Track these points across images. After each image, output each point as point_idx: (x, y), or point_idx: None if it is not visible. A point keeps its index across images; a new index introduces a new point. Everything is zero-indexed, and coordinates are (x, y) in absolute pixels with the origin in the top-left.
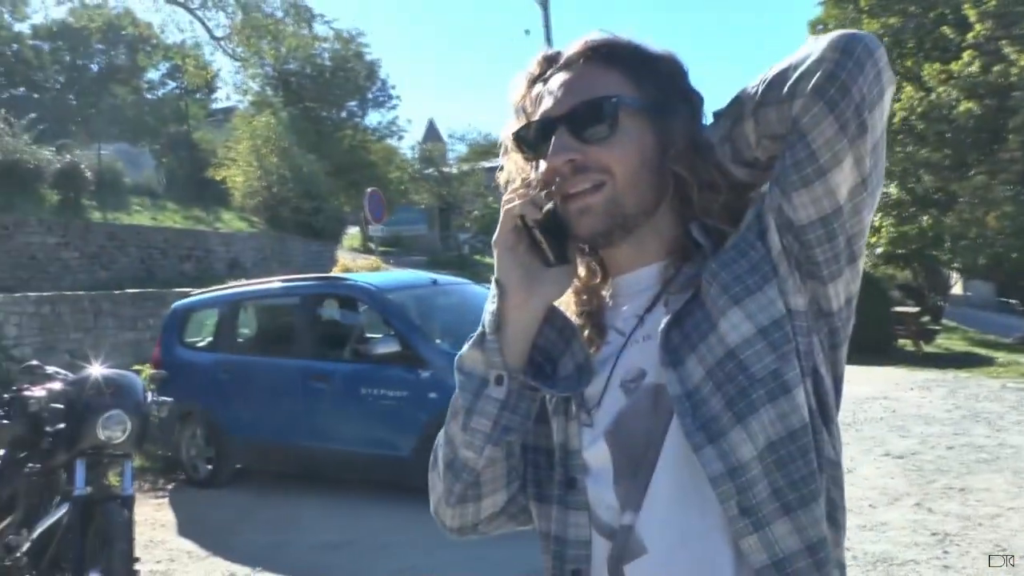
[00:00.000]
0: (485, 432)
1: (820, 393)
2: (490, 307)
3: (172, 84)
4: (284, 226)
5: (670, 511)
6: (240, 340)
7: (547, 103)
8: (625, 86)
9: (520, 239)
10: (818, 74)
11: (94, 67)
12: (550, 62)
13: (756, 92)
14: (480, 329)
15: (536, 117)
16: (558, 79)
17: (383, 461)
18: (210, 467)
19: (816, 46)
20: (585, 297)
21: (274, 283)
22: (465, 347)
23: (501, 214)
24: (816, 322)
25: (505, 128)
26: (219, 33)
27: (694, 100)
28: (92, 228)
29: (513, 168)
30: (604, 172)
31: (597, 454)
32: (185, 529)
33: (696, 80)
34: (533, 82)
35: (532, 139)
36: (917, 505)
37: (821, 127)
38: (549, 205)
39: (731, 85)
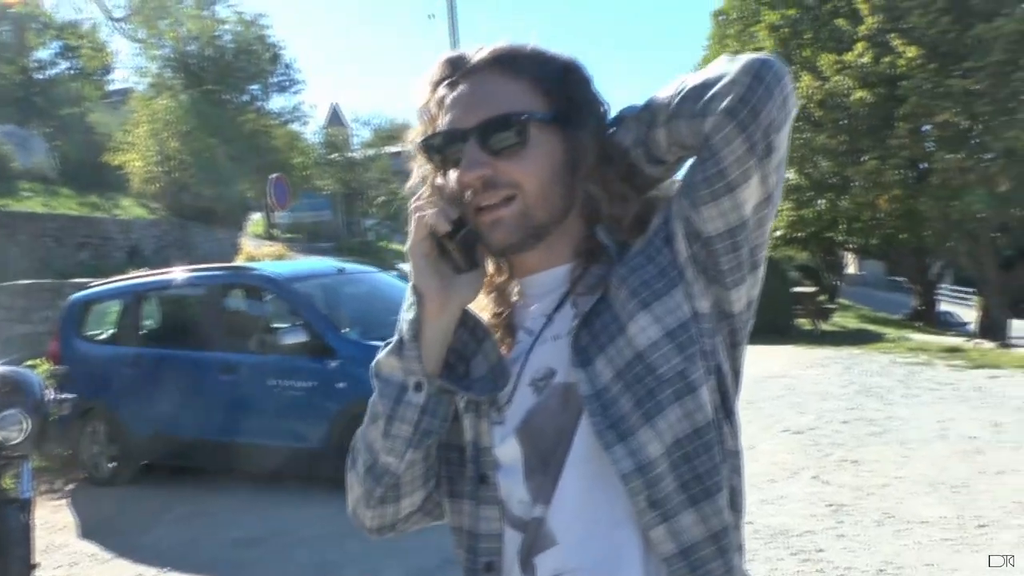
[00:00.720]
0: (406, 437)
1: (723, 389)
2: (407, 315)
3: (64, 64)
4: (185, 213)
5: (580, 504)
6: (143, 332)
7: (456, 113)
8: (533, 98)
9: (434, 246)
10: (730, 96)
11: None
12: (453, 66)
13: (670, 104)
14: (397, 336)
15: (444, 126)
16: (466, 88)
17: (294, 453)
18: (113, 465)
19: (730, 68)
20: (495, 296)
21: (179, 273)
22: (381, 354)
23: (412, 222)
24: (719, 323)
25: (412, 133)
26: (117, 14)
27: (600, 108)
28: None
29: (421, 174)
30: (514, 186)
31: (508, 451)
32: (87, 531)
33: (602, 69)
34: (436, 85)
35: (440, 147)
36: (814, 478)
37: (732, 147)
38: (454, 216)
39: (638, 72)
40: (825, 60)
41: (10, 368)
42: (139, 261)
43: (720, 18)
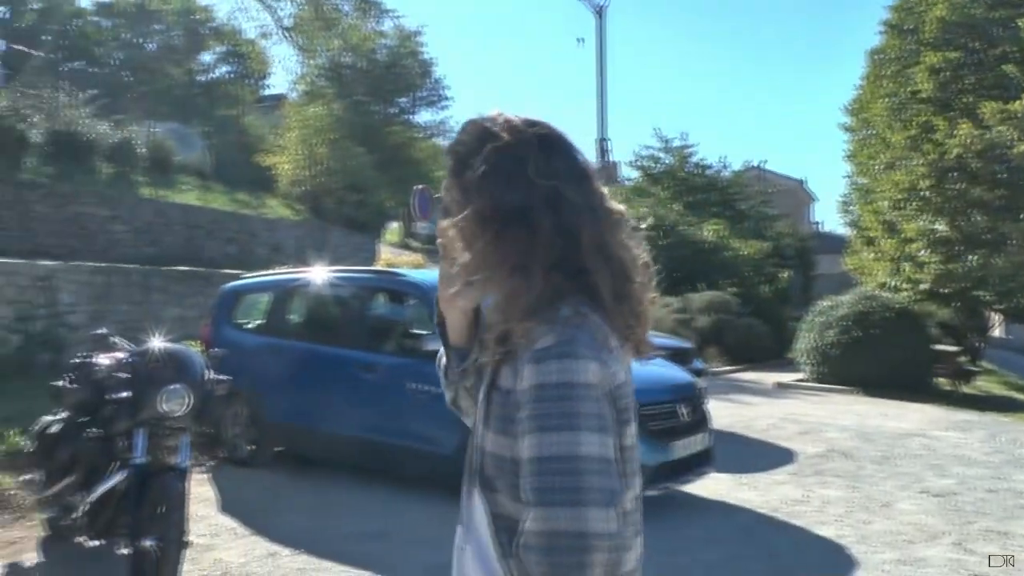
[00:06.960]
0: None
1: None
2: None
3: (225, 68)
4: (327, 216)
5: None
6: (290, 326)
7: None
8: None
9: None
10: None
11: (151, 46)
12: None
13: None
14: None
15: None
16: None
17: (423, 455)
18: (251, 448)
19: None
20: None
21: (327, 272)
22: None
23: None
24: None
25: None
26: (287, 23)
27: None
28: (141, 203)
29: None
30: None
31: None
32: (227, 506)
33: (741, 97)
34: None
35: None
36: (956, 544)
37: None
38: None
39: (783, 105)
40: (988, 108)
41: (176, 346)
42: (281, 258)
43: (876, 57)
